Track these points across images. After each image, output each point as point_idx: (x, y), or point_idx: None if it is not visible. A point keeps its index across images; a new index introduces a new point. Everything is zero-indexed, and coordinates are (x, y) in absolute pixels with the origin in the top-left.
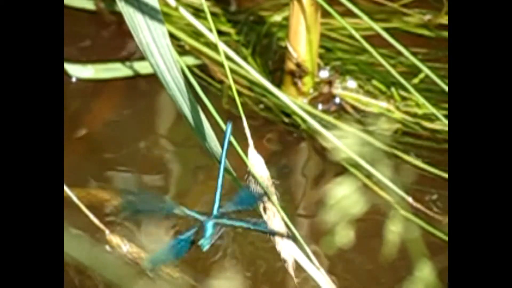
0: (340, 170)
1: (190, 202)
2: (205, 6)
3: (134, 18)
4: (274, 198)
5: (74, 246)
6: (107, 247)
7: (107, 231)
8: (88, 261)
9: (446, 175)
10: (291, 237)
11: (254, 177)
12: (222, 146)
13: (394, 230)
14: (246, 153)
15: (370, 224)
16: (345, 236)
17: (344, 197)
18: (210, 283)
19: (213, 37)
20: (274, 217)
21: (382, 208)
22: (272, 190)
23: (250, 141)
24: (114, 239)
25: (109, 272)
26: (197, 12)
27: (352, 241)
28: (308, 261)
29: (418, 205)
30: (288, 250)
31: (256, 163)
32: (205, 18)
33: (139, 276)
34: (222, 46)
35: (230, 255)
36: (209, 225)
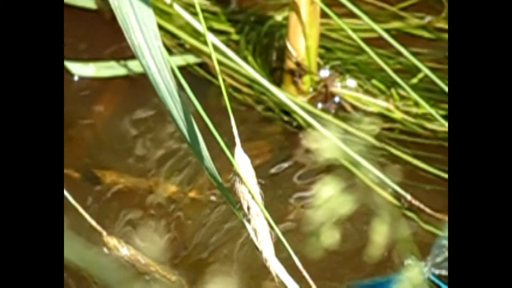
0: (338, 169)
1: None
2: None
3: (126, 19)
4: (258, 198)
5: (70, 248)
6: (105, 249)
7: (104, 233)
8: (84, 264)
9: (445, 175)
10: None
11: (239, 176)
12: None
13: (380, 230)
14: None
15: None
16: (330, 237)
17: (330, 197)
18: (207, 287)
19: (204, 30)
20: (257, 216)
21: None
22: (256, 190)
23: (237, 140)
24: (111, 240)
25: (105, 274)
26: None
27: (337, 242)
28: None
29: (417, 202)
30: (269, 251)
31: (242, 162)
32: (205, 18)
33: (135, 279)
34: (210, 38)
35: (228, 258)
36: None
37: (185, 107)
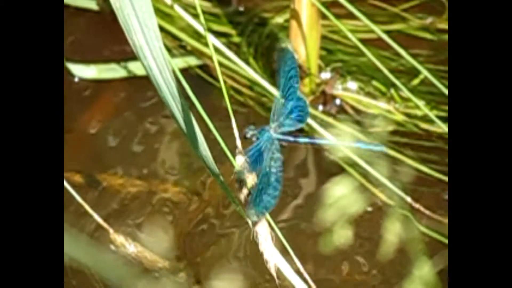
0: (339, 170)
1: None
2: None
3: (128, 20)
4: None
5: (74, 246)
6: (112, 246)
7: (111, 230)
8: (87, 262)
9: (445, 178)
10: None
11: (241, 178)
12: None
13: (392, 229)
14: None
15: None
16: (343, 235)
17: (342, 196)
18: (214, 283)
19: (206, 34)
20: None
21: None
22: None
23: (239, 143)
24: (118, 238)
25: (109, 272)
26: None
27: (350, 240)
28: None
29: (417, 205)
30: (270, 252)
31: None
32: (206, 20)
33: (139, 277)
34: (212, 39)
35: (233, 255)
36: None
37: (187, 108)
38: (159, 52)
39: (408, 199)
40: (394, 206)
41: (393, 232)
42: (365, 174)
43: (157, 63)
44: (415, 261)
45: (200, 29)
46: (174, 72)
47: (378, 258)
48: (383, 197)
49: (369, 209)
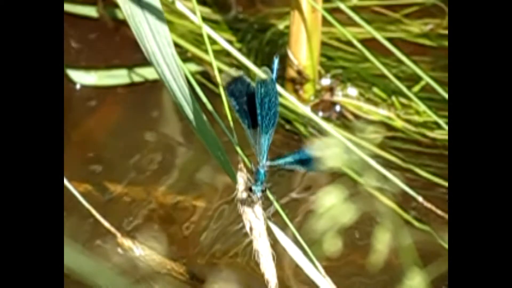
0: (330, 179)
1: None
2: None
3: (140, 27)
4: (261, 218)
5: (72, 257)
6: (119, 250)
7: (118, 235)
8: (83, 272)
9: (445, 183)
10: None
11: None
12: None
13: (382, 239)
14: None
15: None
16: (333, 245)
17: (333, 205)
18: (218, 285)
19: (205, 28)
20: (260, 237)
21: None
22: (259, 210)
23: (240, 160)
24: (126, 242)
25: (105, 282)
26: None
27: (339, 250)
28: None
29: (429, 205)
30: (271, 272)
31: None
32: (207, 22)
33: (135, 286)
34: (207, 30)
35: (236, 257)
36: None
37: (200, 111)
38: (171, 58)
39: (420, 198)
40: (385, 215)
41: (383, 242)
42: (357, 184)
43: (170, 69)
44: (407, 271)
45: (191, 16)
46: (186, 78)
47: (368, 268)
48: (375, 205)
49: (360, 218)
